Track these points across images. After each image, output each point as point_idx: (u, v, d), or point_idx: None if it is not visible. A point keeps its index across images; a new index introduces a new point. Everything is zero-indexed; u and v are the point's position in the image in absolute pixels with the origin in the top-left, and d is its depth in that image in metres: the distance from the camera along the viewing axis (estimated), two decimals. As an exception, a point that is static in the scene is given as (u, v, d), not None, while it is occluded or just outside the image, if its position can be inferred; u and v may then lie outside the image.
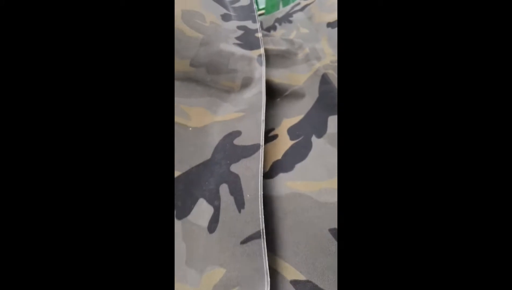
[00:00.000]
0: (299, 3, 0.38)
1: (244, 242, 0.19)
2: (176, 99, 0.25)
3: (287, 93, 0.28)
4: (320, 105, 0.26)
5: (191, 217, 0.20)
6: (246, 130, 0.23)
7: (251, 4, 0.35)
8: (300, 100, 0.27)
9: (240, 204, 0.20)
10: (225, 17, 0.32)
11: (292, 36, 0.34)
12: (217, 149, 0.23)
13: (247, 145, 0.22)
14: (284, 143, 0.24)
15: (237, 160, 0.22)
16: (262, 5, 0.42)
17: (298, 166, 0.22)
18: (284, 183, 0.21)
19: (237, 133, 0.23)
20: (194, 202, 0.21)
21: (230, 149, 0.23)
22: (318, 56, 0.29)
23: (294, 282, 0.18)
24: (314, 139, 0.23)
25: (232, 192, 0.21)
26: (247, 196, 0.20)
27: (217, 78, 0.26)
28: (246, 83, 0.27)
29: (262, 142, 0.22)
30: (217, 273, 0.18)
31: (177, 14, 0.26)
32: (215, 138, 0.24)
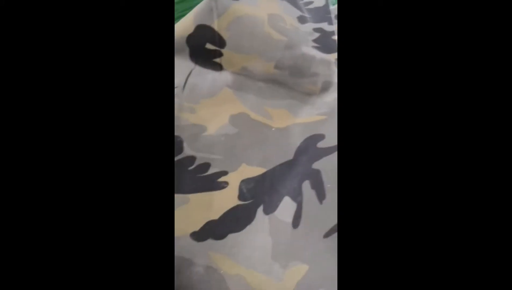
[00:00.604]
0: None
1: (327, 235, 0.20)
2: (260, 100, 0.27)
3: None
4: None
5: (277, 213, 0.22)
6: (329, 134, 0.24)
7: (326, 5, 0.36)
8: None
9: (321, 195, 0.21)
10: (301, 19, 0.33)
11: None
12: (299, 151, 0.24)
13: (330, 147, 0.23)
14: None
15: (319, 158, 0.23)
16: None
17: None
18: None
19: (321, 137, 0.24)
20: (280, 199, 0.22)
21: (313, 151, 0.24)
22: None
23: None
24: None
25: (313, 186, 0.22)
26: (327, 186, 0.21)
27: (300, 81, 0.28)
28: (326, 87, 0.28)
29: None
30: (300, 270, 0.19)
31: (264, 18, 0.28)
32: (297, 139, 0.25)
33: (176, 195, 0.22)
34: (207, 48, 0.27)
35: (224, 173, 0.23)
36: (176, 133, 0.24)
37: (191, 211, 0.22)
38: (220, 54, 0.27)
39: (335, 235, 0.19)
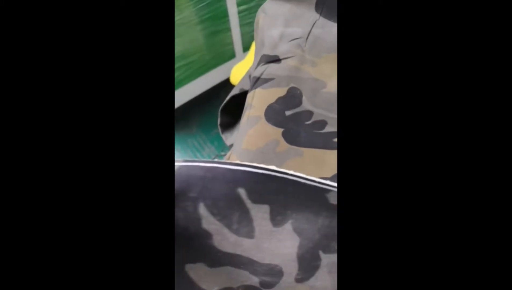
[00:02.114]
0: None
1: None
2: None
3: None
4: None
5: None
6: None
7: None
8: None
9: None
10: None
11: None
12: None
13: None
14: None
15: None
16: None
17: None
18: None
19: None
20: None
21: None
22: None
23: None
24: None
25: None
26: None
27: None
28: None
29: None
30: None
31: None
32: None
33: (290, 146, 0.22)
34: (338, -2, 0.25)
35: None
36: (295, 85, 0.23)
37: (304, 165, 0.21)
38: (349, 8, 0.25)
39: None
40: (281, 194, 0.16)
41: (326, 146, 0.22)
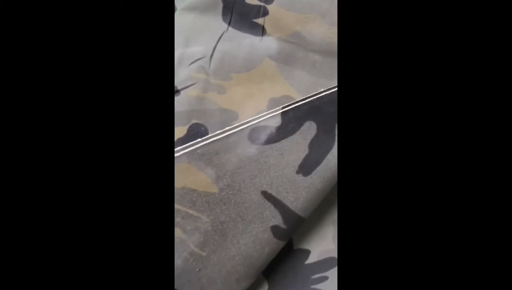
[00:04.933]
0: None
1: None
2: (313, 79, 0.20)
3: None
4: None
5: None
6: None
7: None
8: None
9: None
10: None
11: None
12: None
13: None
14: None
15: None
16: None
17: None
18: None
19: None
20: None
21: None
22: None
23: None
24: None
25: None
26: None
27: None
28: None
29: None
30: None
31: None
32: None
33: None
34: (248, 2, 0.20)
35: None
36: (199, 121, 0.18)
37: None
38: (264, 12, 0.20)
39: None
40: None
41: None
